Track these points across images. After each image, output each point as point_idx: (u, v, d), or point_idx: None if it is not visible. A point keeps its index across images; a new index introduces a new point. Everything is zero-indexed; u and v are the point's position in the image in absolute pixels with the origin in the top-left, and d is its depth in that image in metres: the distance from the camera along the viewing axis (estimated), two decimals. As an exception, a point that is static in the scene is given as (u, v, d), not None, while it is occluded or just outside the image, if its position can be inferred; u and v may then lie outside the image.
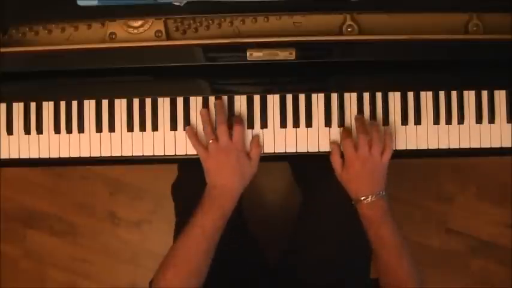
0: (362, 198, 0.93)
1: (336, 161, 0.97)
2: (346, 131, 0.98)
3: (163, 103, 1.01)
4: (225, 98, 1.00)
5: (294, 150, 1.01)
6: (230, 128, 0.96)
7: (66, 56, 0.95)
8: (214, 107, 0.98)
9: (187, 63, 0.95)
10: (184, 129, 1.00)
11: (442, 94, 1.01)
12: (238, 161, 0.95)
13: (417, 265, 0.94)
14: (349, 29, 0.96)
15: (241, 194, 0.97)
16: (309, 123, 1.00)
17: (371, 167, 0.94)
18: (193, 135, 0.98)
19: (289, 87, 1.00)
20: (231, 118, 0.99)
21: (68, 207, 1.67)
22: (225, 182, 0.95)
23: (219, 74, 0.99)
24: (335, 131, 1.00)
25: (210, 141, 0.95)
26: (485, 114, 1.01)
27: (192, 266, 0.91)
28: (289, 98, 1.01)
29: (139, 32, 0.96)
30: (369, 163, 0.93)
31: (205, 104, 1.00)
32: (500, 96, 1.01)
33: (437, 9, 0.95)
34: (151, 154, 1.01)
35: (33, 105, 1.01)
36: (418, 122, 1.01)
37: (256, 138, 0.99)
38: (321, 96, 1.00)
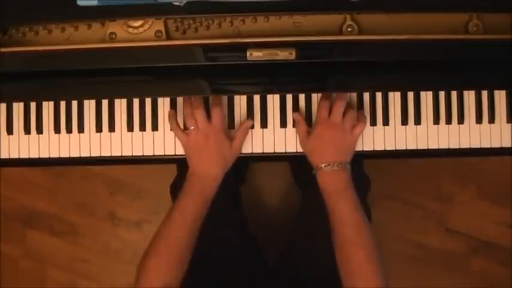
0: (323, 165, 0.91)
1: (301, 129, 0.97)
2: (325, 95, 0.97)
3: (163, 103, 1.01)
4: (225, 97, 1.00)
5: (294, 150, 1.01)
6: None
7: (66, 56, 0.95)
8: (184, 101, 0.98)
9: (187, 63, 0.95)
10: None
11: (442, 94, 1.01)
12: (218, 144, 0.94)
13: (381, 255, 0.87)
14: (349, 29, 0.96)
15: (223, 177, 0.96)
16: (308, 123, 1.00)
17: (340, 135, 0.93)
18: (174, 119, 0.98)
19: (289, 87, 1.00)
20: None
21: (68, 207, 1.67)
22: (205, 167, 0.94)
23: (219, 74, 0.98)
24: (335, 131, 1.00)
25: (192, 127, 0.95)
26: (485, 114, 1.01)
27: (174, 253, 0.90)
28: (289, 98, 1.01)
29: (139, 32, 0.96)
30: (338, 131, 0.93)
31: (205, 104, 1.00)
32: (500, 96, 1.01)
33: (437, 9, 0.95)
34: (151, 154, 1.01)
35: (33, 105, 1.02)
36: (418, 122, 1.01)
37: (245, 125, 0.99)
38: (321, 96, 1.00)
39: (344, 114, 0.95)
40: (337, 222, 0.90)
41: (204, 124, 0.94)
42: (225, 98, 1.00)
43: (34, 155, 1.01)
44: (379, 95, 1.01)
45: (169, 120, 0.99)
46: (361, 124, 0.95)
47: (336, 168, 0.91)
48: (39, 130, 1.01)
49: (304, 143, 0.96)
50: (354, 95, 1.01)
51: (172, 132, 1.00)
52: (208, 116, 0.96)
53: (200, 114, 0.95)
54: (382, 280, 0.85)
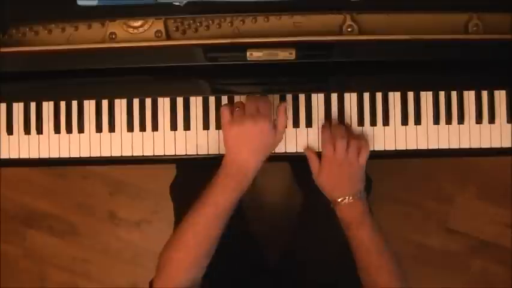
0: (339, 199, 0.93)
1: (314, 165, 0.97)
2: (325, 131, 0.97)
3: (163, 103, 1.01)
4: (225, 97, 1.00)
5: (294, 150, 1.01)
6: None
7: (66, 56, 0.95)
8: None
9: (187, 63, 0.95)
10: (184, 129, 1.00)
11: (442, 94, 1.01)
12: (263, 132, 0.90)
13: (400, 265, 0.92)
14: (349, 29, 0.96)
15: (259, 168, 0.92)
16: (308, 124, 1.00)
17: (347, 169, 0.94)
18: (227, 105, 0.94)
19: (289, 87, 1.00)
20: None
21: (68, 207, 1.68)
22: (246, 156, 0.90)
23: (219, 74, 0.98)
24: (335, 131, 1.00)
25: (237, 109, 0.91)
26: (485, 114, 1.01)
27: (203, 247, 0.87)
28: (289, 98, 1.01)
29: (139, 32, 0.96)
30: (345, 165, 0.93)
31: (205, 104, 1.00)
32: (500, 96, 1.01)
33: (437, 9, 0.95)
34: (151, 154, 1.01)
35: (33, 105, 1.01)
36: (418, 122, 1.01)
37: (282, 107, 0.94)
38: (321, 96, 1.00)
39: (347, 144, 0.94)
40: (359, 249, 0.92)
41: (254, 109, 0.90)
42: (225, 98, 1.00)
43: (34, 155, 1.01)
44: (379, 95, 1.01)
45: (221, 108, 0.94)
46: (364, 151, 0.95)
47: (351, 200, 0.92)
48: (39, 130, 1.01)
49: (316, 178, 0.97)
50: (354, 95, 1.01)
51: (172, 132, 1.00)
52: None
53: (252, 99, 0.92)
54: None
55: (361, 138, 0.97)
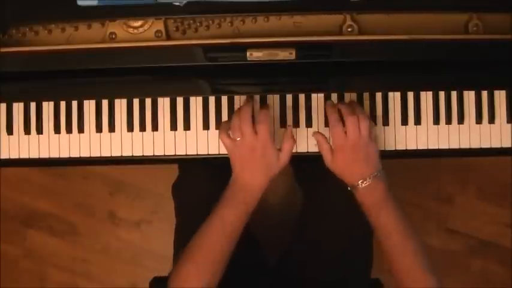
0: (359, 182, 0.88)
1: (325, 149, 0.92)
2: (332, 113, 0.91)
3: (163, 103, 1.01)
4: (225, 97, 1.00)
5: (294, 150, 1.01)
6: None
7: (66, 56, 0.95)
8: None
9: (187, 63, 0.95)
10: (184, 129, 1.00)
11: (442, 94, 1.01)
12: (264, 157, 0.90)
13: (428, 254, 0.89)
14: (349, 29, 0.96)
15: (265, 187, 0.92)
16: (308, 124, 1.00)
17: (364, 149, 0.89)
18: (224, 128, 0.94)
19: (289, 87, 1.00)
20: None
21: (68, 207, 1.68)
22: (248, 177, 0.91)
23: (219, 74, 0.98)
24: (335, 131, 1.00)
25: (238, 139, 0.91)
26: (485, 114, 1.01)
27: (210, 260, 0.89)
28: (289, 98, 1.01)
29: (139, 32, 0.96)
30: (361, 146, 0.89)
31: (205, 104, 1.00)
32: (500, 96, 1.01)
33: (437, 9, 0.95)
34: (151, 154, 1.01)
35: (33, 105, 1.01)
36: (418, 122, 1.01)
37: (289, 131, 0.93)
38: (321, 96, 1.00)
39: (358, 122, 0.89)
40: (382, 234, 0.89)
41: (251, 137, 0.90)
42: (225, 98, 1.00)
43: (34, 155, 1.01)
44: (379, 95, 1.01)
45: (220, 128, 0.94)
46: (372, 125, 0.91)
47: (371, 181, 0.88)
48: (39, 130, 1.01)
49: (330, 164, 0.92)
50: (354, 95, 1.01)
51: (172, 132, 1.00)
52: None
53: (247, 126, 0.90)
54: (432, 281, 0.86)
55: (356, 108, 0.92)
